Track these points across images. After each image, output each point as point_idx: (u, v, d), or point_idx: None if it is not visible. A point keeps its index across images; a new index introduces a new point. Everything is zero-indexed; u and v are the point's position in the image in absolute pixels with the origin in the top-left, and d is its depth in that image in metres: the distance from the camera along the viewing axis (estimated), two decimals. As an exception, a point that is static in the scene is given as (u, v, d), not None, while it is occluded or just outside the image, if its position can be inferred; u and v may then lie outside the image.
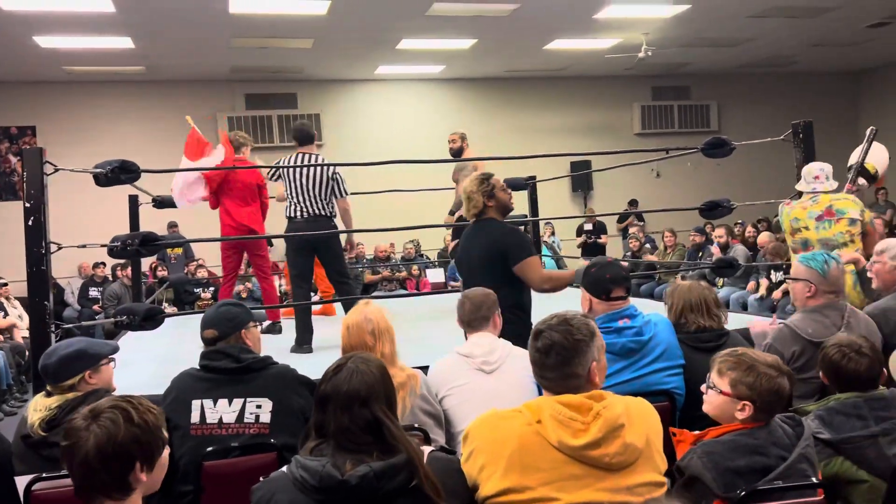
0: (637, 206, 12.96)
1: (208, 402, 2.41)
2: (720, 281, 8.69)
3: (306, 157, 4.88)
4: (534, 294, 3.59)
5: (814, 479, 1.87)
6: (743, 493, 1.80)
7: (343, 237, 5.21)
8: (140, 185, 6.28)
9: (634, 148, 12.89)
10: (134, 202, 6.53)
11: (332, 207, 4.86)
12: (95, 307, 9.90)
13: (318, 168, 4.79)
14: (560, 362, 1.82)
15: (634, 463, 1.73)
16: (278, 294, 6.74)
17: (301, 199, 4.78)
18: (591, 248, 11.35)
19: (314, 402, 1.73)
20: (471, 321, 2.83)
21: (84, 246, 6.00)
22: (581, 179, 13.06)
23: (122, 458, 1.54)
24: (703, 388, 2.12)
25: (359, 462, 1.58)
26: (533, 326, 1.92)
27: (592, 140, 13.34)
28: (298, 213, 4.79)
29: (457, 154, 6.13)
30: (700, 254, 9.41)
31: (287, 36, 9.65)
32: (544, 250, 9.14)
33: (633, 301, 2.89)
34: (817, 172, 4.01)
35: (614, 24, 9.97)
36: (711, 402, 2.06)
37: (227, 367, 2.46)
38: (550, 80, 13.31)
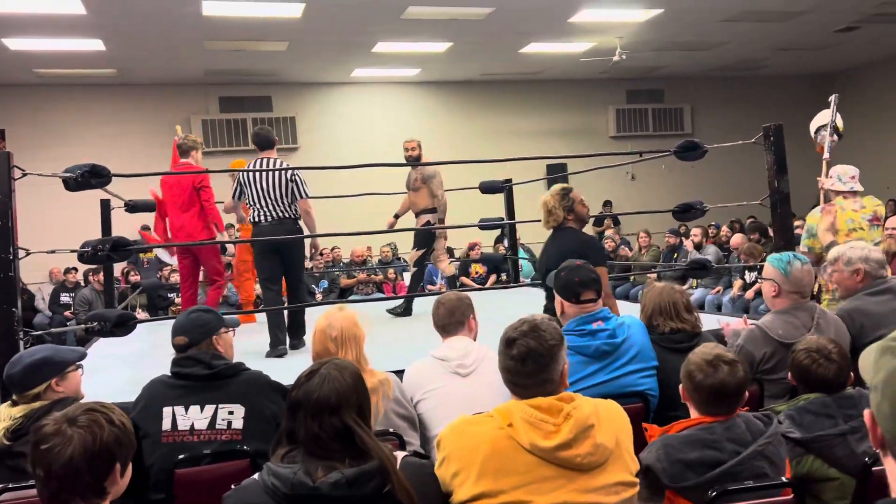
0: (611, 207, 13.05)
1: (180, 409, 2.38)
2: (694, 282, 8.77)
3: (267, 161, 4.89)
4: (500, 296, 3.63)
5: (778, 479, 1.89)
6: (715, 493, 1.82)
7: (308, 240, 5.19)
8: (112, 190, 6.21)
9: (609, 151, 13.00)
10: (106, 206, 6.44)
11: (296, 210, 4.89)
12: (67, 313, 9.75)
13: (278, 171, 4.81)
14: (536, 369, 1.83)
15: (605, 463, 1.74)
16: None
17: (264, 203, 4.80)
18: None
19: (285, 409, 1.71)
20: (446, 325, 2.83)
21: (53, 251, 5.91)
22: (557, 182, 13.10)
23: (106, 459, 1.57)
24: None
25: (330, 469, 1.57)
26: (503, 334, 1.92)
27: (568, 143, 13.42)
28: (262, 218, 4.81)
29: (416, 161, 6.10)
30: (675, 255, 9.49)
31: (261, 39, 9.59)
32: (521, 252, 9.17)
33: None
34: (853, 173, 4.26)
35: (589, 27, 10.04)
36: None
37: (199, 374, 2.43)
38: (526, 83, 13.37)
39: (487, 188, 6.95)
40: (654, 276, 8.15)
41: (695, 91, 14.26)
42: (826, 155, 4.54)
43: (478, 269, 9.86)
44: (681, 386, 2.19)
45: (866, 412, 1.05)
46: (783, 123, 4.38)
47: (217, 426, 2.37)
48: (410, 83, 12.84)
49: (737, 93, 14.37)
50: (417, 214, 6.27)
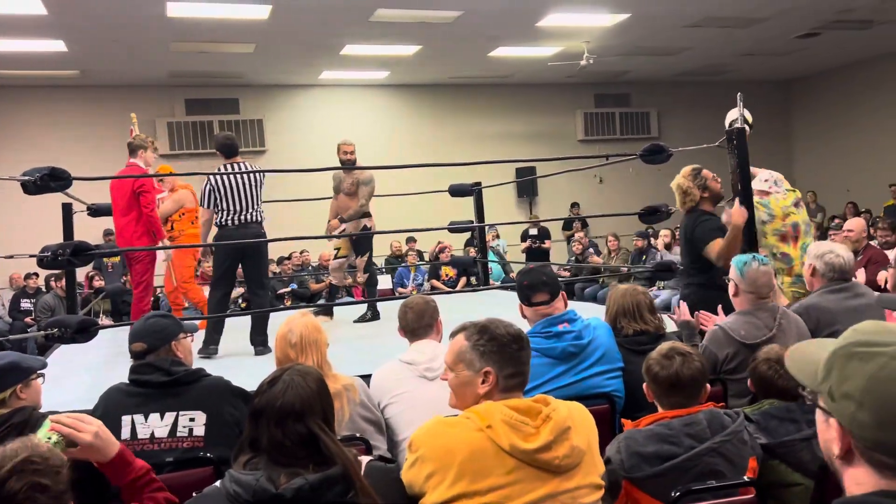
0: (579, 209, 13.16)
1: (139, 418, 2.33)
2: (660, 283, 8.87)
3: (239, 166, 4.91)
4: (470, 299, 3.64)
5: (736, 478, 1.93)
6: (678, 493, 1.84)
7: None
8: (74, 193, 6.09)
9: (578, 154, 13.11)
10: (67, 210, 6.32)
11: (261, 214, 4.91)
12: (28, 319, 9.53)
13: (252, 175, 4.83)
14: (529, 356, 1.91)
15: (578, 465, 1.75)
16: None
17: (232, 207, 4.81)
18: (536, 253, 11.46)
19: (247, 416, 1.68)
20: (415, 329, 2.81)
21: (12, 256, 5.79)
22: (526, 185, 13.20)
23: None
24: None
25: (293, 475, 1.55)
26: (501, 334, 1.92)
27: (537, 146, 13.50)
28: (229, 221, 4.82)
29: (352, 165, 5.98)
30: (644, 257, 9.59)
31: (228, 41, 9.49)
32: (490, 255, 9.19)
33: (576, 305, 2.93)
34: (777, 177, 4.65)
35: (556, 32, 10.12)
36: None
37: (158, 381, 2.38)
38: (495, 87, 13.43)
39: (457, 191, 6.96)
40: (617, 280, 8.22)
41: (661, 95, 14.45)
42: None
43: (448, 271, 9.87)
44: (645, 385, 2.22)
45: (832, 421, 1.03)
46: (745, 127, 4.44)
47: (178, 434, 2.33)
48: (379, 86, 12.81)
49: (702, 97, 14.58)
50: (350, 219, 6.04)
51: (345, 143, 6.08)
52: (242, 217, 4.81)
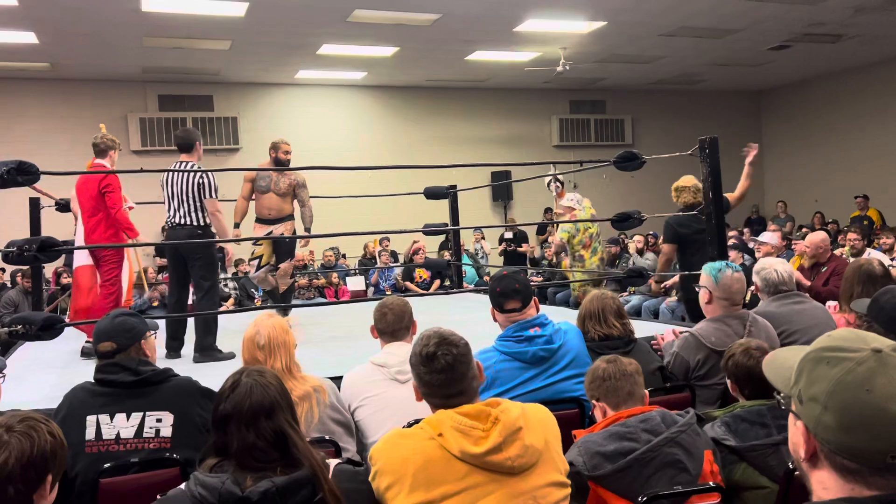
0: (552, 214, 13.22)
1: (104, 418, 2.29)
2: (631, 289, 8.95)
3: (180, 164, 4.80)
4: (443, 302, 3.64)
5: (695, 469, 1.98)
6: (645, 498, 1.86)
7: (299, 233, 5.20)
8: (42, 188, 5.98)
9: (552, 159, 13.17)
10: (35, 205, 6.20)
11: (201, 215, 4.74)
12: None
13: (185, 176, 4.70)
14: (465, 370, 1.89)
15: (535, 465, 1.76)
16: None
17: (172, 207, 4.76)
18: (512, 257, 11.50)
19: (212, 423, 1.66)
20: (394, 331, 2.80)
21: (-22, 251, 5.65)
22: (501, 189, 13.24)
23: (40, 469, 1.52)
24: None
25: (262, 478, 1.54)
26: (416, 355, 1.94)
27: (512, 151, 13.56)
28: (168, 222, 4.81)
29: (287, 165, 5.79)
30: (616, 263, 9.67)
31: (203, 37, 9.40)
32: (464, 258, 9.21)
33: (547, 309, 2.94)
34: (578, 198, 6.89)
35: (534, 37, 10.18)
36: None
37: (125, 381, 2.35)
38: (472, 90, 13.46)
39: (432, 194, 6.95)
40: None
41: (635, 103, 14.60)
42: (560, 202, 7.04)
43: (421, 273, 9.86)
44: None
45: (799, 423, 1.06)
46: (718, 136, 4.51)
47: (145, 434, 2.30)
48: (356, 86, 12.77)
49: (675, 106, 14.77)
50: (278, 220, 5.80)
51: (284, 143, 5.85)
52: (175, 218, 4.72)
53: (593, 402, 2.26)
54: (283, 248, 5.83)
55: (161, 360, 4.62)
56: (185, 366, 4.18)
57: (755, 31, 10.39)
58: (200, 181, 4.69)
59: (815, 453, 1.05)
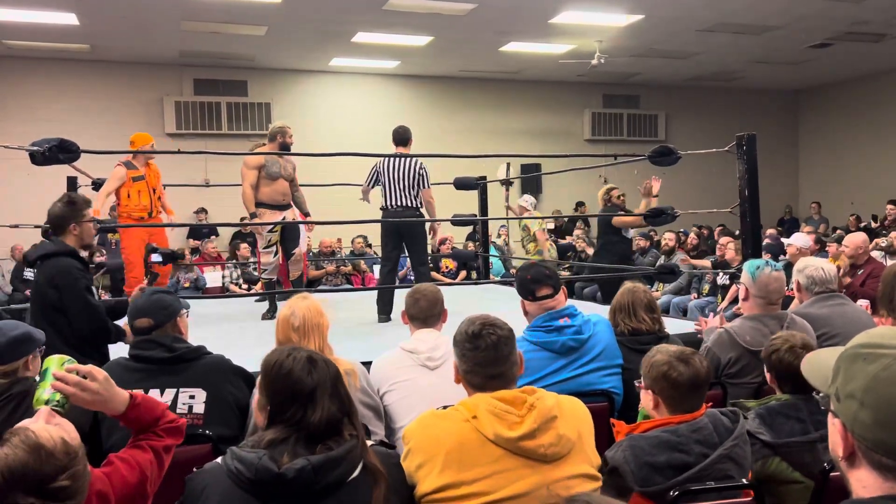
0: (585, 208, 13.15)
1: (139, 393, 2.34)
2: (661, 286, 8.86)
3: (400, 158, 5.48)
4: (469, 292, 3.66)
5: (742, 480, 1.91)
6: (677, 493, 1.84)
7: (427, 224, 5.68)
8: (80, 167, 6.08)
9: (584, 153, 13.08)
10: (72, 184, 6.30)
11: (417, 201, 5.43)
12: (28, 291, 9.52)
13: (407, 163, 5.41)
14: (508, 352, 1.90)
15: (568, 455, 1.76)
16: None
17: (393, 191, 5.44)
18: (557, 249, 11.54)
19: (289, 397, 1.63)
20: (426, 318, 2.80)
21: (17, 226, 5.79)
22: (531, 181, 13.19)
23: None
24: (636, 383, 2.21)
25: (298, 454, 1.55)
26: (461, 333, 1.95)
27: (543, 143, 13.49)
28: (388, 204, 5.51)
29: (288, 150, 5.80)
30: (644, 257, 9.58)
31: (239, 22, 9.47)
32: (492, 250, 9.19)
33: (575, 303, 2.93)
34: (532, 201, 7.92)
35: (569, 29, 10.09)
36: (642, 399, 2.17)
37: (160, 357, 2.38)
38: (504, 82, 13.40)
39: (462, 184, 6.94)
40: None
41: (670, 98, 14.42)
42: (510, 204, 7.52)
43: (448, 263, 9.86)
44: (645, 391, 2.16)
45: (836, 422, 1.05)
46: (755, 133, 4.44)
47: (178, 410, 2.32)
48: (389, 75, 12.79)
49: (711, 102, 14.56)
50: (289, 206, 5.80)
51: (289, 127, 5.82)
52: (396, 202, 5.50)
53: (645, 387, 2.14)
54: (290, 234, 5.82)
55: (372, 325, 5.14)
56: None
57: (796, 28, 10.19)
58: (422, 172, 5.40)
59: (854, 452, 1.04)
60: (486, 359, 1.88)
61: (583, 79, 13.22)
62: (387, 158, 5.46)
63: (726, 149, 4.52)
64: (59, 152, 3.60)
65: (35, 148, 3.59)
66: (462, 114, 13.22)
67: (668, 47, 11.26)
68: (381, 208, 5.57)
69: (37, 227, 3.79)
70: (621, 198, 7.48)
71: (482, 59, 11.83)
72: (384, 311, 5.30)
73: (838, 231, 10.00)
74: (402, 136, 5.61)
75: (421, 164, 5.46)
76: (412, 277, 6.30)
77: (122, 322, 3.18)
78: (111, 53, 10.96)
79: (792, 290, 3.52)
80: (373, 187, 5.70)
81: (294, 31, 9.97)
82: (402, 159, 5.43)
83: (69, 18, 9.05)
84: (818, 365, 1.17)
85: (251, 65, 11.82)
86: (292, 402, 1.61)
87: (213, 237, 10.53)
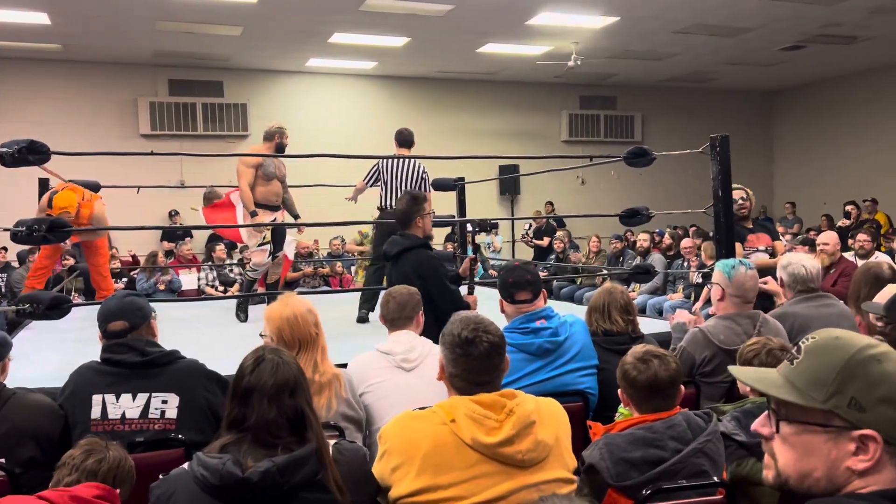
0: (553, 208, 13.22)
1: (110, 397, 2.30)
2: (636, 287, 8.92)
3: (403, 159, 5.60)
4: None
5: (714, 477, 1.93)
6: (650, 491, 1.85)
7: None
8: (52, 169, 5.99)
9: (561, 154, 13.15)
10: (44, 186, 6.22)
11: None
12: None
13: (411, 166, 5.56)
14: (499, 361, 1.87)
15: (545, 460, 1.75)
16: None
17: (391, 192, 5.50)
18: (536, 251, 11.62)
19: (231, 396, 1.66)
20: (395, 320, 2.81)
21: (-15, 229, 5.66)
22: (509, 183, 13.22)
23: None
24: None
25: (266, 456, 1.54)
26: (452, 335, 1.90)
27: (521, 145, 13.53)
28: (386, 205, 5.52)
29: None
30: (620, 259, 9.65)
31: (215, 22, 9.39)
32: (469, 251, 9.18)
33: (552, 304, 2.94)
34: None
35: (546, 31, 10.13)
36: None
37: (132, 361, 2.35)
38: (482, 83, 13.42)
39: (439, 185, 6.92)
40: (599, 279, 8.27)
41: (646, 100, 14.53)
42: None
43: (426, 265, 9.84)
44: (619, 390, 2.20)
45: (854, 434, 0.98)
46: (729, 134, 4.48)
47: (150, 415, 2.30)
48: (366, 76, 12.75)
49: (686, 104, 14.69)
50: (279, 207, 5.76)
51: (286, 129, 5.77)
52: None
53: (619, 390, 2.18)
54: (279, 236, 5.81)
55: (351, 326, 5.08)
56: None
57: (769, 30, 10.32)
58: (424, 176, 5.55)
59: (878, 461, 0.98)
60: (476, 367, 1.85)
61: (560, 80, 13.29)
62: (389, 159, 5.53)
63: (700, 150, 4.55)
64: (28, 154, 3.52)
65: (4, 150, 3.51)
66: (439, 115, 13.22)
67: (644, 49, 11.35)
68: (378, 208, 5.59)
69: (5, 230, 3.72)
70: None
71: (459, 60, 11.84)
72: (364, 307, 5.31)
73: (811, 232, 10.15)
74: (405, 139, 5.69)
75: (424, 167, 5.53)
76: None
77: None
78: (84, 53, 10.81)
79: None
80: (371, 186, 5.71)
81: (270, 32, 9.91)
82: (406, 161, 5.51)
83: (40, 18, 8.91)
84: (826, 367, 1.05)
85: (227, 65, 11.72)
86: (232, 402, 1.64)
87: (187, 239, 10.42)
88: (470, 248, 4.79)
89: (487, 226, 4.84)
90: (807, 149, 14.95)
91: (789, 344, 2.43)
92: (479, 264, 5.00)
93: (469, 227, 4.76)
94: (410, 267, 3.58)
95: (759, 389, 1.11)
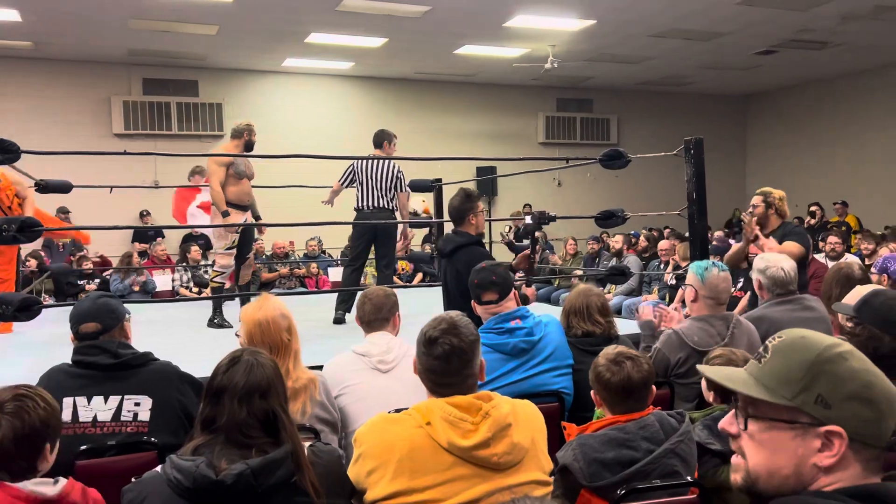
0: (531, 209, 13.26)
1: (81, 400, 2.26)
2: (612, 288, 8.98)
3: (377, 160, 5.53)
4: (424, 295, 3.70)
5: (687, 477, 1.94)
6: (623, 492, 1.86)
7: (400, 226, 5.84)
8: (22, 168, 5.89)
9: (538, 156, 13.21)
10: (14, 185, 6.08)
11: (393, 202, 5.53)
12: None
13: (385, 165, 5.51)
14: (460, 366, 1.84)
15: (520, 462, 1.75)
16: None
17: (367, 192, 5.48)
18: (517, 251, 11.54)
19: (204, 396, 1.66)
20: (371, 321, 2.79)
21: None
22: (486, 184, 13.25)
23: (35, 442, 1.72)
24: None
25: (239, 458, 1.53)
26: (422, 332, 1.91)
27: (498, 146, 13.58)
28: (363, 205, 5.55)
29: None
30: (596, 260, 9.71)
31: (190, 21, 9.29)
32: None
33: (529, 305, 2.94)
34: None
35: (523, 33, 10.17)
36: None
37: (103, 363, 2.31)
38: (459, 84, 13.44)
39: (417, 187, 6.91)
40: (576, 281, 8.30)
41: (622, 103, 14.65)
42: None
43: (404, 265, 9.84)
44: (592, 392, 2.21)
45: (820, 430, 1.00)
46: (703, 138, 4.53)
47: (122, 418, 2.27)
48: (343, 76, 12.71)
49: (662, 107, 14.84)
50: (250, 207, 5.63)
51: (254, 126, 5.61)
52: (372, 203, 5.54)
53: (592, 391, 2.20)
54: (248, 237, 5.71)
55: (327, 327, 5.07)
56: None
57: (744, 34, 10.46)
58: (399, 175, 5.50)
59: (843, 457, 0.99)
60: (435, 368, 1.85)
61: (537, 82, 13.35)
62: (364, 160, 5.51)
63: (674, 152, 4.60)
64: (-3, 152, 3.47)
65: (-28, 148, 3.45)
66: (416, 116, 13.22)
67: (621, 52, 11.44)
68: (355, 209, 5.58)
69: (-27, 229, 3.63)
70: None
71: (437, 62, 11.85)
72: (340, 308, 5.31)
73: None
74: (378, 139, 5.68)
75: (398, 167, 5.50)
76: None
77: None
78: (56, 51, 10.65)
79: (735, 290, 3.56)
80: (346, 187, 5.70)
81: (246, 31, 9.83)
82: (381, 161, 5.48)
83: (11, 15, 8.76)
84: (794, 367, 1.06)
85: (202, 64, 11.62)
86: (204, 401, 1.65)
87: (159, 239, 10.30)
88: (528, 241, 4.70)
89: (546, 219, 4.58)
90: (780, 152, 15.17)
91: (750, 356, 2.45)
92: (536, 256, 4.70)
93: (528, 220, 4.68)
94: (464, 264, 3.57)
95: (728, 387, 1.11)
